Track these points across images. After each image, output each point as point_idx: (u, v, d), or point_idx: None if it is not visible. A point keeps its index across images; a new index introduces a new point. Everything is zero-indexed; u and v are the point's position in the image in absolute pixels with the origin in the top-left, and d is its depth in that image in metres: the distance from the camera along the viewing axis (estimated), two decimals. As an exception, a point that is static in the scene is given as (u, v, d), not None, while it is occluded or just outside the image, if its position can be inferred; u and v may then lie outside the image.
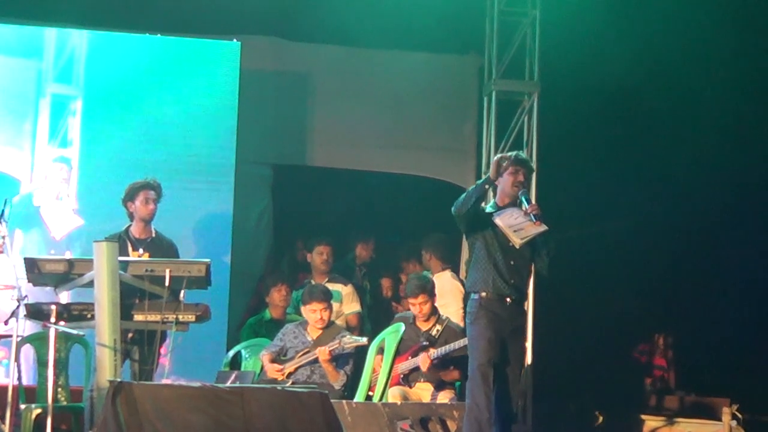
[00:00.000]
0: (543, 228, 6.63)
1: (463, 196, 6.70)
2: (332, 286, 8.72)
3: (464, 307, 8.18)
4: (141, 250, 7.47)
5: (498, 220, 6.67)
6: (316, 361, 7.86)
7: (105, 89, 9.22)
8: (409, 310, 8.19)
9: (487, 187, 6.80)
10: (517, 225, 6.63)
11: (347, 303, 8.78)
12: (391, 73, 9.93)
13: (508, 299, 6.64)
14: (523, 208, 6.70)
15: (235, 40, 9.40)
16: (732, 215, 9.78)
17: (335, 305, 8.65)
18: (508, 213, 6.72)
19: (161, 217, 7.80)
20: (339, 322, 8.55)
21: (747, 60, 9.51)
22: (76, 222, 9.05)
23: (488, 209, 6.83)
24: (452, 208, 6.68)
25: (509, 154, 6.97)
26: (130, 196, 7.63)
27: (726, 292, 9.78)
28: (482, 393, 6.43)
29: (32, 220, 9.01)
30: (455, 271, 9.13)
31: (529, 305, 8.95)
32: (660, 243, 9.84)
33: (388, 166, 10.07)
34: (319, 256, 8.81)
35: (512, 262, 6.64)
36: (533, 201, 6.94)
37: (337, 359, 7.82)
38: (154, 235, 7.66)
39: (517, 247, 6.62)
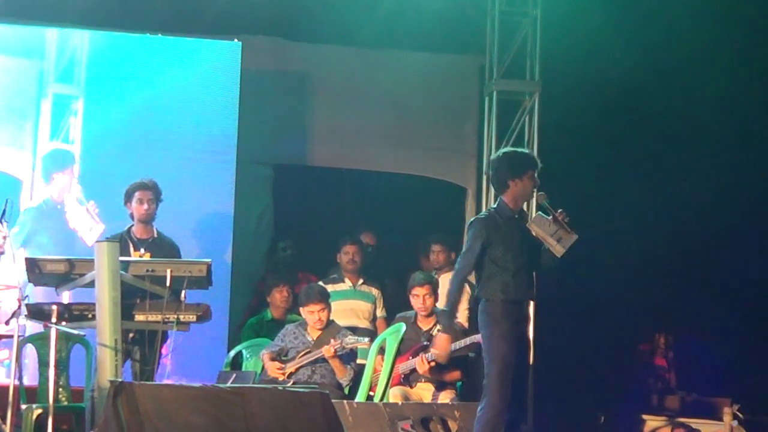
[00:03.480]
0: (576, 236, 6.54)
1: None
2: (366, 289, 8.75)
3: (470, 308, 8.22)
4: (142, 250, 7.49)
5: (535, 227, 6.56)
6: (317, 361, 7.87)
7: (106, 89, 9.22)
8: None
9: None
10: (556, 234, 6.50)
11: (380, 306, 8.81)
12: (391, 73, 9.92)
13: (522, 302, 6.64)
14: (553, 215, 6.58)
15: (236, 41, 9.39)
16: (733, 215, 9.78)
17: (369, 306, 8.69)
18: (541, 219, 6.61)
19: (162, 217, 7.81)
20: (364, 324, 8.59)
21: (749, 59, 9.51)
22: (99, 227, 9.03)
23: (492, 209, 6.77)
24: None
25: (528, 153, 6.92)
26: (127, 197, 7.69)
27: (727, 291, 9.78)
28: (501, 395, 6.41)
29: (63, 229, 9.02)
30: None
31: (531, 305, 8.95)
32: (661, 243, 9.84)
33: (388, 166, 10.07)
34: (345, 256, 8.81)
35: (525, 265, 6.60)
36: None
37: (342, 356, 7.83)
38: (155, 235, 7.68)
39: (559, 256, 6.52)
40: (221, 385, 6.23)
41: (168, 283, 6.91)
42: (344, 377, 7.86)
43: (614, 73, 9.31)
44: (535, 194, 6.98)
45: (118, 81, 9.19)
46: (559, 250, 6.51)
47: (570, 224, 6.56)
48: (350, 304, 8.72)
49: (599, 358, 9.67)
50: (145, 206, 7.64)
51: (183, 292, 6.96)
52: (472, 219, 6.90)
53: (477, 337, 7.15)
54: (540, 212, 6.75)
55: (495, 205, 6.77)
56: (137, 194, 7.65)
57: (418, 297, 8.06)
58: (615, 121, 9.89)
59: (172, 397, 5.80)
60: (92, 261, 6.78)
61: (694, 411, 9.08)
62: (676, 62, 9.57)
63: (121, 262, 6.86)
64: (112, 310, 6.69)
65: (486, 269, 6.58)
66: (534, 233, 6.61)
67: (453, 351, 7.85)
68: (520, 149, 7.23)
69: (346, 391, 7.92)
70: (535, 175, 6.66)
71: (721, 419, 8.43)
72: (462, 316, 8.55)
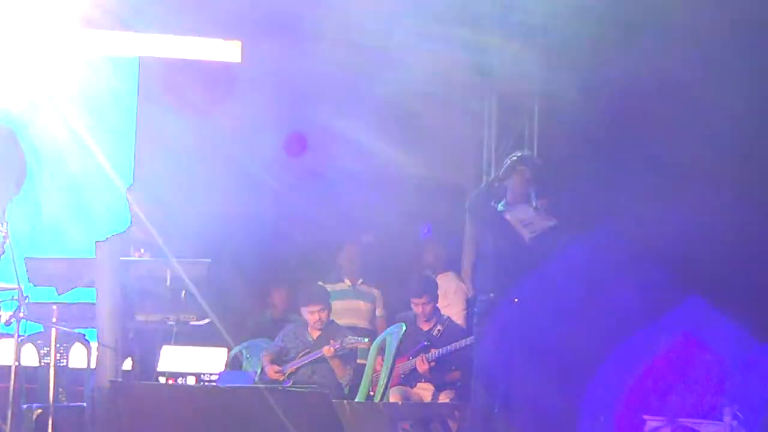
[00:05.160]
0: (552, 222, 6.75)
1: None
2: (366, 289, 8.77)
3: (467, 308, 8.27)
4: (142, 250, 7.49)
5: (508, 216, 6.78)
6: (317, 361, 7.88)
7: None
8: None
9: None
10: (527, 220, 6.76)
11: (379, 306, 8.83)
12: (391, 72, 9.90)
13: (516, 299, 6.68)
14: (533, 204, 6.83)
15: (235, 40, 9.39)
16: (735, 215, 9.77)
17: (369, 306, 8.69)
18: (518, 209, 6.84)
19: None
20: (364, 324, 8.60)
21: (751, 61, 9.50)
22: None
23: (499, 208, 6.89)
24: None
25: (515, 154, 7.08)
26: (126, 197, 7.69)
27: (727, 291, 9.77)
28: (489, 393, 6.47)
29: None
30: (458, 271, 9.15)
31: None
32: (661, 243, 9.82)
33: (389, 166, 10.06)
34: (345, 256, 8.83)
35: (521, 261, 6.68)
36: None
37: (342, 356, 7.84)
38: (155, 235, 7.68)
39: (527, 240, 6.71)
40: (221, 385, 6.24)
41: (168, 283, 6.91)
42: (344, 377, 7.86)
43: (614, 73, 9.30)
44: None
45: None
46: (525, 234, 6.73)
47: (549, 211, 6.77)
48: (350, 304, 8.73)
49: (599, 358, 9.66)
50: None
51: (183, 291, 6.96)
52: None
53: (476, 338, 7.19)
54: (524, 204, 6.94)
55: (501, 203, 6.97)
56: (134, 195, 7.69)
57: (417, 306, 8.09)
58: (615, 121, 9.88)
59: (172, 397, 5.80)
60: (92, 261, 6.78)
61: (694, 411, 9.08)
62: (677, 62, 9.56)
63: (121, 261, 6.85)
64: (112, 310, 6.69)
65: (481, 255, 6.73)
66: (507, 220, 6.82)
67: (451, 352, 7.87)
68: (516, 152, 7.39)
69: (346, 391, 7.92)
70: (525, 171, 6.89)
71: (721, 419, 8.43)
72: (460, 318, 8.57)
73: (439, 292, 8.42)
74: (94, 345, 6.96)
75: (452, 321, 8.29)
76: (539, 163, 7.20)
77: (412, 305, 8.11)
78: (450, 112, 10.11)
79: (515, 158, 7.10)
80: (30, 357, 7.56)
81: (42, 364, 7.43)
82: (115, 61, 9.24)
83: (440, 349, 7.92)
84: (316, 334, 8.02)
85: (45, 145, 9.08)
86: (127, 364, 7.13)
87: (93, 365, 7.08)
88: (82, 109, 9.15)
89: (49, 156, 9.10)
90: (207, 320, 7.17)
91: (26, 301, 6.63)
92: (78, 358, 7.62)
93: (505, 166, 7.10)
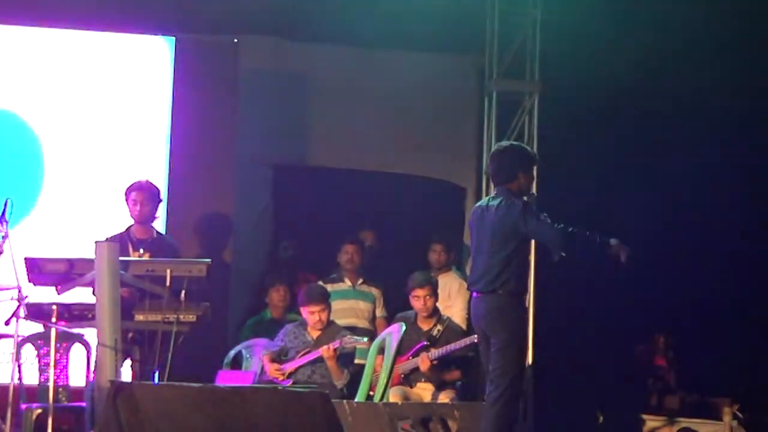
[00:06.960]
0: None
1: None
2: (366, 288, 8.75)
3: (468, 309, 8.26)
4: (141, 250, 7.49)
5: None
6: (316, 360, 7.87)
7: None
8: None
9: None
10: None
11: (379, 306, 8.81)
12: (391, 73, 9.91)
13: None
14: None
15: (235, 40, 9.39)
16: (733, 215, 9.78)
17: (369, 306, 8.68)
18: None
19: (162, 216, 7.81)
20: (364, 324, 8.59)
21: (750, 59, 9.51)
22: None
23: (491, 203, 6.79)
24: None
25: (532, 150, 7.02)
26: (125, 197, 7.69)
27: (727, 291, 9.78)
28: (520, 382, 6.55)
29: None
30: (457, 270, 9.15)
31: (530, 305, 8.95)
32: (661, 243, 9.83)
33: (388, 166, 10.06)
34: (344, 255, 8.81)
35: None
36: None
37: (340, 358, 7.83)
38: (155, 235, 7.68)
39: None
40: (221, 385, 6.23)
41: (168, 283, 6.91)
42: (340, 381, 7.85)
43: (614, 73, 9.31)
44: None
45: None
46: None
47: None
48: (350, 304, 8.72)
49: (599, 358, 9.66)
50: (138, 207, 7.64)
51: (182, 292, 6.96)
52: (522, 204, 6.79)
53: (475, 338, 7.18)
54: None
55: (504, 197, 6.73)
56: (132, 195, 7.67)
57: (419, 298, 8.07)
58: (615, 121, 9.89)
59: (171, 397, 5.80)
60: (92, 261, 6.78)
61: (694, 411, 9.08)
62: (676, 62, 9.57)
63: (121, 262, 6.85)
64: (112, 310, 6.68)
65: (516, 257, 6.63)
66: None
67: (451, 351, 7.87)
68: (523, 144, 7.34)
69: (344, 391, 7.91)
70: (533, 179, 6.84)
71: (721, 419, 8.44)
72: (460, 316, 8.56)
73: (441, 292, 8.41)
74: (94, 345, 6.96)
75: (452, 321, 8.29)
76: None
77: (413, 299, 8.08)
78: (450, 112, 10.11)
79: (535, 155, 6.94)
80: (30, 357, 7.57)
81: (42, 364, 7.42)
82: (114, 61, 9.23)
83: (440, 349, 7.91)
84: (316, 334, 8.02)
85: (45, 144, 9.10)
86: (127, 364, 7.14)
87: (93, 365, 7.08)
88: (82, 108, 9.16)
89: (49, 156, 9.12)
90: (208, 320, 7.17)
91: (26, 301, 6.64)
92: (78, 358, 7.62)
93: (526, 154, 6.83)
